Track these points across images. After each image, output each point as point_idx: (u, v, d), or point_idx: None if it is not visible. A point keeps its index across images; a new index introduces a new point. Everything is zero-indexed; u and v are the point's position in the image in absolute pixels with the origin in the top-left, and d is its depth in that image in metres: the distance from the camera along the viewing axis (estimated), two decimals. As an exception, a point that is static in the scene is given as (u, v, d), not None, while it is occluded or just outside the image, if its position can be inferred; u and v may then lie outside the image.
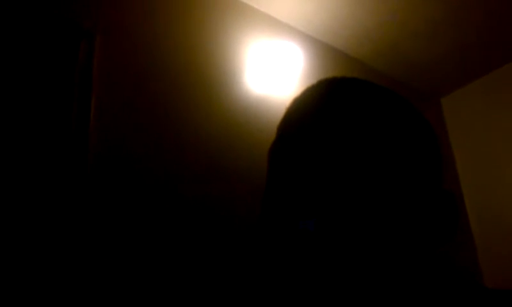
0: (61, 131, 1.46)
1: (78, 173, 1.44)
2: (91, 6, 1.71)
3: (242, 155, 1.91)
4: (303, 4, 2.24)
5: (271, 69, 2.15)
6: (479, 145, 2.78)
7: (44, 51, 1.50)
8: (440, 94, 3.01)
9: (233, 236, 1.73)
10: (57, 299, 1.29)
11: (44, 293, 1.27)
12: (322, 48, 2.42)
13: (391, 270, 0.47)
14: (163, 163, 1.69)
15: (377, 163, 0.47)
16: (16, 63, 1.44)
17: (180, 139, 1.77)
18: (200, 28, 2.02)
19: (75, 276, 1.34)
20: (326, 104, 0.52)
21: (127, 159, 1.60)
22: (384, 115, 0.51)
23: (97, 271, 1.39)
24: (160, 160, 1.68)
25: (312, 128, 0.50)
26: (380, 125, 0.50)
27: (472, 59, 2.63)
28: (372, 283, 0.46)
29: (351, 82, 0.55)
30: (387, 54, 2.49)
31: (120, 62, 1.71)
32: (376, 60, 2.57)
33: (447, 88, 2.92)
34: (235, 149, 1.91)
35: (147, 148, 1.67)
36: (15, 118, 1.39)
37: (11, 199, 1.30)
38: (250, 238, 1.70)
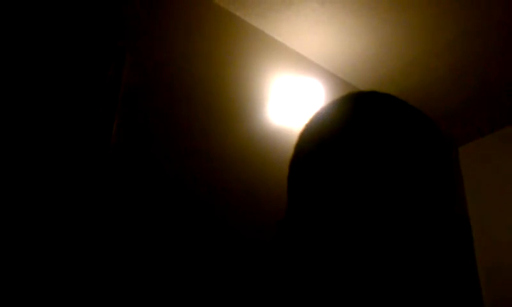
0: (84, 144, 1.52)
1: (98, 181, 1.50)
2: (124, 26, 1.76)
3: (259, 181, 1.94)
4: (329, 42, 2.27)
5: (292, 102, 2.18)
6: (492, 197, 2.75)
7: (79, 65, 1.58)
8: (458, 143, 3.00)
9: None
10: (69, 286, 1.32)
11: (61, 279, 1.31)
12: (344, 87, 2.44)
13: (403, 300, 0.46)
14: (180, 185, 1.70)
15: (398, 185, 0.46)
16: (50, 75, 1.51)
17: (198, 161, 1.79)
18: (227, 57, 2.05)
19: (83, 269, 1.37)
20: (349, 119, 0.50)
21: (143, 178, 1.61)
22: (407, 135, 0.49)
23: (104, 268, 1.41)
24: (177, 182, 1.70)
25: (336, 143, 0.49)
26: (403, 146, 0.48)
27: (493, 110, 2.62)
28: None
29: (375, 96, 0.54)
30: (409, 99, 2.44)
31: (147, 82, 1.74)
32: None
33: (465, 137, 2.91)
34: (252, 175, 1.94)
35: (164, 170, 1.68)
36: (44, 129, 1.45)
37: (39, 198, 1.36)
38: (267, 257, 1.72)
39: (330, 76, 2.41)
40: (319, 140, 0.51)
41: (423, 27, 2.15)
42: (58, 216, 1.37)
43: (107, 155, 1.53)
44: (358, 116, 0.50)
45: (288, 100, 2.18)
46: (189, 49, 1.93)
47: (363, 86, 2.48)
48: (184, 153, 1.76)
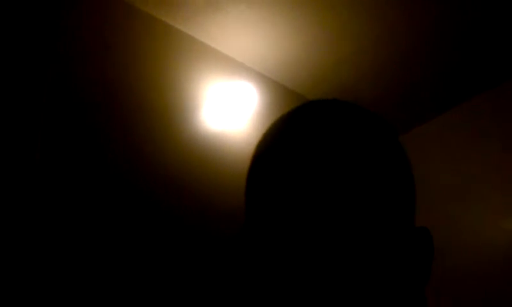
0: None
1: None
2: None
3: (197, 188, 1.93)
4: (259, 44, 2.25)
5: (225, 107, 2.16)
6: (433, 182, 2.71)
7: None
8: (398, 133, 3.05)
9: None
10: None
11: None
12: (277, 88, 2.43)
13: None
14: (114, 193, 1.66)
15: (349, 185, 0.45)
16: None
17: (134, 171, 1.76)
18: (154, 64, 2.00)
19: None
20: (298, 127, 0.50)
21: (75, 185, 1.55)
22: (365, 143, 0.49)
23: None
24: (114, 193, 1.66)
25: (289, 150, 0.48)
26: (360, 153, 0.47)
27: (427, 100, 2.68)
28: None
29: (333, 103, 0.55)
30: (343, 96, 2.46)
31: (73, 92, 1.68)
32: None
33: (404, 127, 2.89)
34: (190, 181, 1.93)
35: (97, 184, 1.63)
36: None
37: None
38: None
39: (262, 78, 2.40)
40: (268, 149, 0.51)
41: (351, 26, 2.18)
42: None
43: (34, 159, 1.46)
44: (308, 123, 0.50)
45: (222, 104, 2.16)
46: (114, 58, 1.87)
47: (295, 86, 2.48)
48: (118, 162, 1.72)
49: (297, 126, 0.51)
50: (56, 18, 1.71)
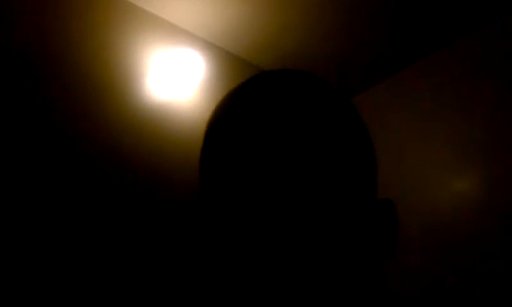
0: None
1: None
2: None
3: (144, 158, 1.90)
4: (203, 11, 2.21)
5: (171, 75, 2.13)
6: (384, 144, 2.84)
7: None
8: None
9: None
10: None
11: None
12: (223, 55, 2.42)
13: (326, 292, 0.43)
14: (56, 166, 1.61)
15: (310, 165, 0.44)
16: None
17: (79, 142, 1.72)
18: (96, 34, 1.94)
19: None
20: (253, 97, 0.49)
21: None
22: (318, 110, 0.48)
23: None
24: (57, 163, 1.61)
25: (241, 123, 0.47)
26: (314, 120, 0.46)
27: (375, 61, 2.71)
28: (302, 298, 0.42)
29: (285, 73, 0.54)
30: (288, 61, 2.52)
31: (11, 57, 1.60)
32: (278, 67, 2.58)
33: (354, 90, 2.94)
34: (138, 152, 1.89)
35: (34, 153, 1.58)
36: None
37: None
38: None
39: (208, 45, 2.37)
40: (222, 121, 0.50)
41: None
42: None
43: None
44: (260, 94, 0.49)
45: (168, 73, 2.12)
46: (55, 28, 1.80)
47: (241, 52, 2.47)
48: (59, 132, 1.67)
49: (249, 97, 0.50)
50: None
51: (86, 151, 1.74)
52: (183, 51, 2.20)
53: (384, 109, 2.76)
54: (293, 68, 0.56)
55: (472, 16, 2.26)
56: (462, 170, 2.29)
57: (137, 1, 2.11)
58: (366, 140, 0.51)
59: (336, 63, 2.63)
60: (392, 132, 2.64)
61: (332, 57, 2.58)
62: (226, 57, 2.43)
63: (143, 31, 2.13)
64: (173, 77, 2.13)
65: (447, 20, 2.30)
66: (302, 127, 0.45)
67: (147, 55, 2.10)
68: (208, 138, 0.51)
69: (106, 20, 2.00)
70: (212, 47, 2.39)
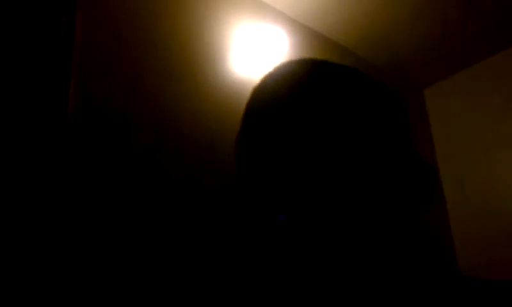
0: (42, 102, 1.45)
1: (58, 134, 1.44)
2: None
3: (221, 131, 1.91)
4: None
5: (255, 51, 2.13)
6: (459, 137, 2.81)
7: (26, 24, 1.49)
8: (423, 86, 3.01)
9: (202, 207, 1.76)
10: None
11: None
12: (308, 33, 2.40)
13: (367, 243, 0.47)
14: (143, 136, 1.68)
15: (347, 138, 0.47)
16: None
17: (159, 114, 1.76)
18: (184, 6, 1.97)
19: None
20: (296, 85, 0.51)
21: (105, 132, 1.58)
22: (351, 93, 0.51)
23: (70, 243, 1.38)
24: (139, 133, 1.67)
25: (283, 108, 0.49)
26: (347, 102, 0.50)
27: (455, 52, 2.66)
28: (348, 261, 0.46)
29: (320, 63, 0.55)
30: (372, 42, 2.51)
31: (101, 37, 1.69)
32: (361, 47, 2.56)
33: (430, 79, 2.93)
34: (213, 125, 1.91)
35: (125, 123, 1.65)
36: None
37: None
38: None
39: (293, 23, 2.35)
40: (269, 102, 0.52)
41: None
42: (12, 196, 1.30)
43: (64, 125, 1.47)
44: (306, 81, 0.52)
45: (252, 49, 2.13)
46: (142, 3, 1.84)
47: (326, 30, 2.44)
48: (147, 111, 1.73)
49: (296, 83, 0.52)
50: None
51: (171, 122, 1.78)
52: (267, 27, 2.19)
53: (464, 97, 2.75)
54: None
55: None
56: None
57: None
58: (402, 113, 0.55)
59: (420, 47, 2.59)
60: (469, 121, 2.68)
61: (410, 44, 2.54)
62: (311, 35, 2.40)
63: (229, 4, 2.13)
64: (257, 53, 2.14)
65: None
66: (343, 104, 0.49)
67: (232, 30, 2.11)
68: (250, 120, 0.54)
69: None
70: (297, 25, 2.37)
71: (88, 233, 1.41)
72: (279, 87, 0.53)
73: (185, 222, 1.65)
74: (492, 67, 2.67)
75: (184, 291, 1.53)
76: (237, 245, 1.69)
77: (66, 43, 1.53)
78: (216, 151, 1.83)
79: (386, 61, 2.68)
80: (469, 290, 0.49)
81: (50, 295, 1.27)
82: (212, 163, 1.81)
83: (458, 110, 2.82)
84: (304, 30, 2.41)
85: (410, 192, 0.51)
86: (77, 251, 1.37)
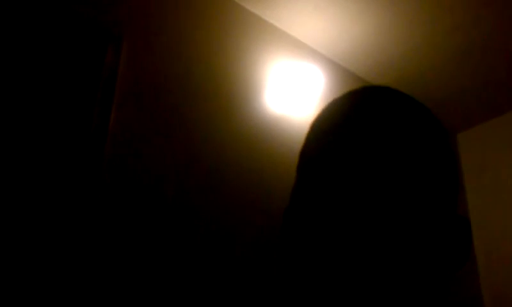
0: (81, 132, 1.49)
1: (94, 173, 1.47)
2: (121, 12, 1.73)
3: (255, 170, 1.93)
4: (327, 28, 2.24)
5: (291, 89, 2.15)
6: (491, 183, 2.74)
7: (73, 52, 1.54)
8: (456, 130, 2.98)
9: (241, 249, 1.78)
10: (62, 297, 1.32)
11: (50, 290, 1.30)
12: (344, 74, 2.42)
13: (399, 296, 0.46)
14: (177, 172, 1.71)
15: (399, 182, 0.47)
16: (44, 63, 1.46)
17: (195, 149, 1.79)
18: (223, 42, 2.03)
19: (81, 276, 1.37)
20: (353, 116, 0.52)
21: (141, 164, 1.62)
22: (413, 130, 0.50)
23: (103, 272, 1.42)
24: (174, 168, 1.70)
25: (339, 140, 0.50)
26: (408, 140, 0.49)
27: (491, 97, 2.64)
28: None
29: (384, 91, 0.55)
30: (408, 85, 2.47)
31: (144, 69, 1.74)
32: (396, 88, 2.51)
33: (464, 124, 2.90)
34: (248, 163, 1.93)
35: (161, 157, 1.69)
36: (38, 118, 1.41)
37: (27, 198, 1.32)
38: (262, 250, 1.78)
39: (329, 63, 2.38)
40: (325, 135, 0.53)
41: (422, 15, 2.15)
42: (50, 217, 1.34)
43: (103, 153, 1.51)
44: (362, 113, 0.51)
45: (288, 87, 2.15)
46: (186, 37, 1.91)
47: (363, 72, 2.45)
48: (183, 145, 1.77)
49: (351, 112, 0.52)
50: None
51: (201, 151, 1.82)
52: (304, 65, 2.21)
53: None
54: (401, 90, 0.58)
55: None
56: None
57: (265, 15, 2.18)
58: (452, 163, 0.54)
59: (456, 90, 2.58)
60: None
61: (453, 84, 2.53)
62: (347, 76, 2.42)
63: (267, 42, 2.19)
64: (293, 91, 2.15)
65: None
66: (396, 143, 0.48)
67: (269, 67, 2.15)
68: (311, 141, 0.55)
69: (233, 31, 2.09)
70: (334, 65, 2.39)
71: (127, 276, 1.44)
72: (348, 111, 0.53)
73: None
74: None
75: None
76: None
77: (110, 71, 1.56)
78: (254, 186, 1.86)
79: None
80: None
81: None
82: (253, 197, 1.83)
83: (491, 156, 2.77)
84: (340, 70, 2.43)
85: (447, 248, 0.50)
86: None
